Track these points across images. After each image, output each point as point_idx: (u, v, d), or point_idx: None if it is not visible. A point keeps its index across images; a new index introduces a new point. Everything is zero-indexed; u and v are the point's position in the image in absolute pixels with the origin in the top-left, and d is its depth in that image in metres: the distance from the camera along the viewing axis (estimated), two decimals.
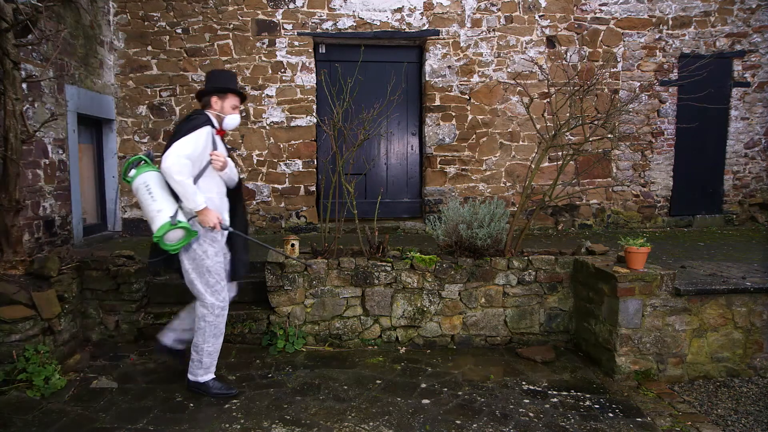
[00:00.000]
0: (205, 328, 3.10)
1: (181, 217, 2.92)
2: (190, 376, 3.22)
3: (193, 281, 3.09)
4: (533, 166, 4.49)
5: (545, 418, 2.98)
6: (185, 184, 2.86)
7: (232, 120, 3.15)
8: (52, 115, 4.52)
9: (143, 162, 3.06)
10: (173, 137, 2.96)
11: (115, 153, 6.21)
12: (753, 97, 6.93)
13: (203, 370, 3.17)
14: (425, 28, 6.40)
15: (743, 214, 7.14)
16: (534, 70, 6.52)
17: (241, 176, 6.37)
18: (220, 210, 3.13)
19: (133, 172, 3.04)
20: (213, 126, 3.09)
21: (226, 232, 3.19)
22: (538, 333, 4.16)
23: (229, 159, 3.21)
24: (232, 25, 6.21)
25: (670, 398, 3.31)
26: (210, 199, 3.05)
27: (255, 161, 6.37)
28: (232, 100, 3.14)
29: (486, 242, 3.99)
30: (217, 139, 3.14)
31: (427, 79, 6.49)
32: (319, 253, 4.19)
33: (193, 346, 3.17)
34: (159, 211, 2.89)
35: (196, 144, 2.93)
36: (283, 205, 6.45)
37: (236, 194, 3.35)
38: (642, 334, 3.54)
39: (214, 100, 3.12)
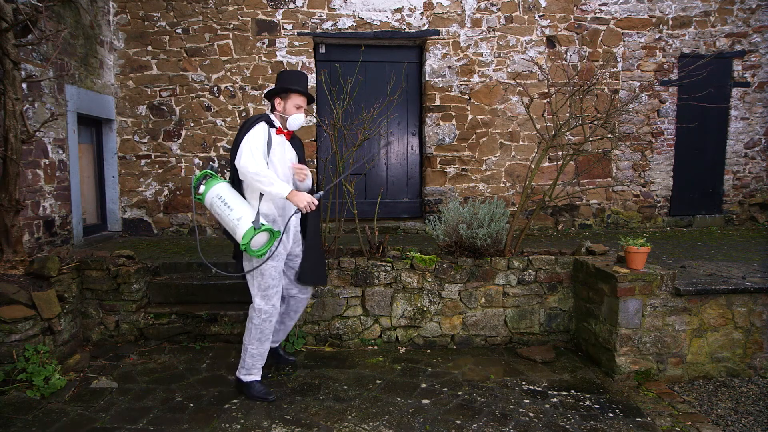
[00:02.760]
0: (251, 330, 3.12)
1: (262, 220, 2.94)
2: (237, 374, 3.24)
3: (249, 281, 3.12)
4: (533, 166, 4.49)
5: (545, 418, 2.98)
6: (264, 175, 2.88)
7: (296, 119, 3.13)
8: (52, 115, 4.52)
9: (210, 176, 3.09)
10: (236, 141, 3.02)
11: (115, 153, 6.21)
12: (753, 97, 6.93)
13: (245, 371, 3.18)
14: (425, 28, 6.40)
15: (743, 214, 7.14)
16: (534, 70, 6.52)
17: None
18: (287, 210, 3.13)
19: (202, 188, 3.06)
20: (271, 125, 3.11)
21: (288, 242, 3.19)
22: (538, 333, 4.16)
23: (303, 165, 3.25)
24: (232, 25, 6.21)
25: (670, 398, 3.31)
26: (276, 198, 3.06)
27: None
28: (295, 100, 3.14)
29: (486, 242, 3.99)
30: (282, 139, 3.16)
31: (427, 79, 6.49)
32: None
33: (243, 344, 3.19)
34: (239, 219, 2.92)
35: (257, 138, 2.97)
36: None
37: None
38: (642, 334, 3.54)
39: (278, 101, 3.16)
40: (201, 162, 6.32)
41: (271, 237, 2.97)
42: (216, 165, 3.34)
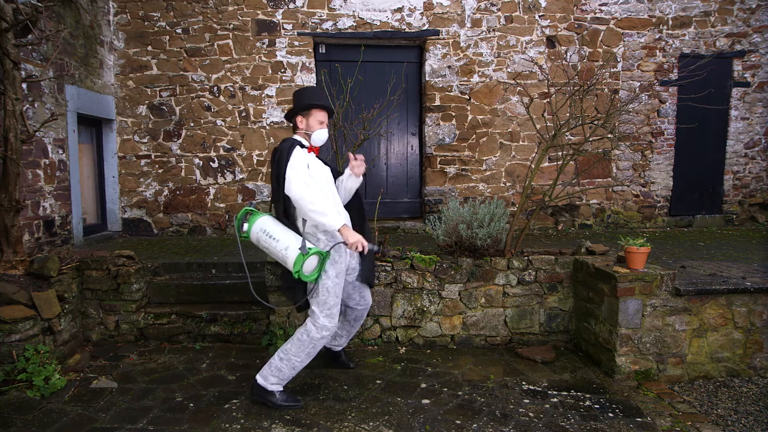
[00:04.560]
0: (305, 343, 2.98)
1: (309, 245, 2.92)
2: (259, 378, 3.07)
3: (313, 300, 3.03)
4: (533, 166, 4.49)
5: (545, 418, 2.98)
6: (319, 204, 2.82)
7: (320, 135, 3.10)
8: (52, 115, 4.52)
9: (251, 213, 3.09)
10: (276, 170, 2.95)
11: (115, 153, 6.21)
12: (753, 97, 6.93)
13: (276, 379, 3.04)
14: (425, 28, 6.40)
15: (743, 214, 7.14)
16: (534, 70, 6.52)
17: (242, 176, 6.38)
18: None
19: (245, 226, 3.05)
20: (301, 146, 3.07)
21: (349, 261, 3.14)
22: (538, 333, 4.16)
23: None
24: (232, 25, 6.21)
25: (670, 398, 3.31)
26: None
27: (255, 161, 6.37)
28: (317, 116, 3.09)
29: (486, 242, 3.99)
30: (312, 156, 3.11)
31: (427, 79, 6.49)
32: None
33: (282, 350, 3.04)
34: (287, 249, 2.89)
35: (300, 164, 2.92)
36: None
37: (357, 209, 3.33)
38: (642, 334, 3.54)
39: (299, 120, 3.12)
40: (201, 162, 6.32)
41: (322, 259, 2.94)
42: (254, 203, 3.35)
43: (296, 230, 3.02)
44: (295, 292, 3.07)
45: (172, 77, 6.22)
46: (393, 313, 4.06)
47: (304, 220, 3.01)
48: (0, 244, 3.78)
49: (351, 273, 3.28)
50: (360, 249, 2.85)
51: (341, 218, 2.88)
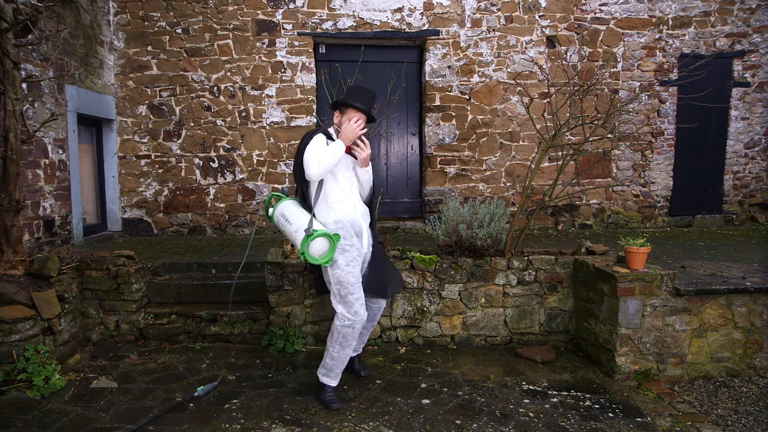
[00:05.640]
0: (333, 332, 3.04)
1: (316, 226, 2.95)
2: (318, 371, 3.19)
3: (330, 289, 3.08)
4: (533, 166, 4.49)
5: (545, 418, 2.98)
6: (326, 156, 2.91)
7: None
8: (52, 115, 4.53)
9: (277, 198, 3.21)
10: (297, 156, 3.07)
11: (115, 153, 6.21)
12: (753, 97, 6.93)
13: (324, 370, 3.13)
14: (425, 28, 6.40)
15: (743, 214, 7.14)
16: (534, 70, 6.52)
17: (242, 176, 6.38)
18: (356, 219, 3.10)
19: (271, 210, 3.20)
20: (329, 137, 3.11)
21: (363, 247, 3.13)
22: (538, 333, 4.16)
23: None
24: (232, 25, 6.21)
25: (670, 398, 3.31)
26: (338, 201, 3.07)
27: (255, 161, 6.37)
28: (351, 115, 3.10)
29: (486, 242, 3.99)
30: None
31: (427, 79, 6.49)
32: None
33: (326, 343, 3.14)
34: (296, 231, 2.98)
35: (317, 146, 2.97)
36: None
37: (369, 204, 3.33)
38: (642, 334, 3.54)
39: (336, 114, 3.19)
40: (201, 162, 6.32)
41: (332, 242, 2.94)
42: (286, 189, 3.40)
43: (313, 205, 3.09)
44: (322, 280, 3.19)
45: (172, 77, 6.21)
46: (393, 313, 4.06)
47: (316, 206, 3.08)
48: (0, 244, 3.78)
49: (364, 266, 3.24)
50: (358, 133, 2.99)
51: (339, 141, 2.99)
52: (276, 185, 6.41)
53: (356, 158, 3.13)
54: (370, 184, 3.29)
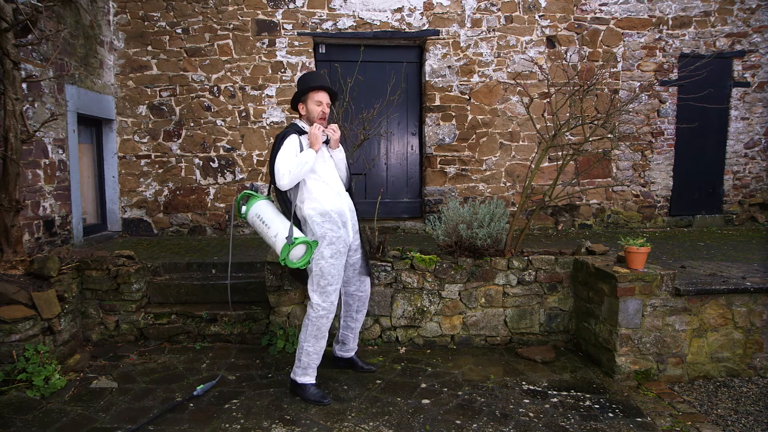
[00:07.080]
0: (307, 326, 3.10)
1: (296, 233, 2.99)
2: (291, 375, 3.21)
3: (308, 279, 3.13)
4: (533, 166, 4.49)
5: (545, 418, 2.98)
6: (297, 167, 2.96)
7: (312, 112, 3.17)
8: (52, 115, 4.53)
9: (249, 196, 3.20)
10: (271, 159, 3.09)
11: (115, 153, 6.21)
12: (753, 97, 6.93)
13: (301, 370, 3.14)
14: (425, 28, 6.40)
15: (743, 214, 7.14)
16: (534, 70, 6.52)
17: (242, 176, 6.38)
18: (341, 209, 3.14)
19: (244, 208, 3.18)
20: (301, 132, 3.14)
21: (349, 237, 3.18)
22: (538, 333, 4.16)
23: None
24: (232, 25, 6.21)
25: (670, 398, 3.31)
26: (322, 194, 3.09)
27: (255, 161, 6.37)
28: (314, 98, 3.13)
29: (486, 242, 3.99)
30: (305, 139, 3.17)
31: (427, 79, 6.49)
32: None
33: (299, 341, 3.17)
34: (276, 236, 3.00)
35: (289, 153, 3.01)
36: None
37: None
38: (642, 334, 3.54)
39: (300, 107, 3.21)
40: (201, 162, 6.32)
41: (309, 248, 3.02)
42: (256, 185, 3.37)
43: (292, 214, 3.09)
44: (302, 276, 3.25)
45: (172, 77, 6.21)
46: (393, 313, 4.06)
47: (300, 203, 3.11)
48: (0, 244, 3.78)
49: (353, 254, 3.30)
50: (323, 125, 3.09)
51: (308, 149, 3.03)
52: None
53: (329, 143, 3.20)
54: (345, 163, 3.33)
